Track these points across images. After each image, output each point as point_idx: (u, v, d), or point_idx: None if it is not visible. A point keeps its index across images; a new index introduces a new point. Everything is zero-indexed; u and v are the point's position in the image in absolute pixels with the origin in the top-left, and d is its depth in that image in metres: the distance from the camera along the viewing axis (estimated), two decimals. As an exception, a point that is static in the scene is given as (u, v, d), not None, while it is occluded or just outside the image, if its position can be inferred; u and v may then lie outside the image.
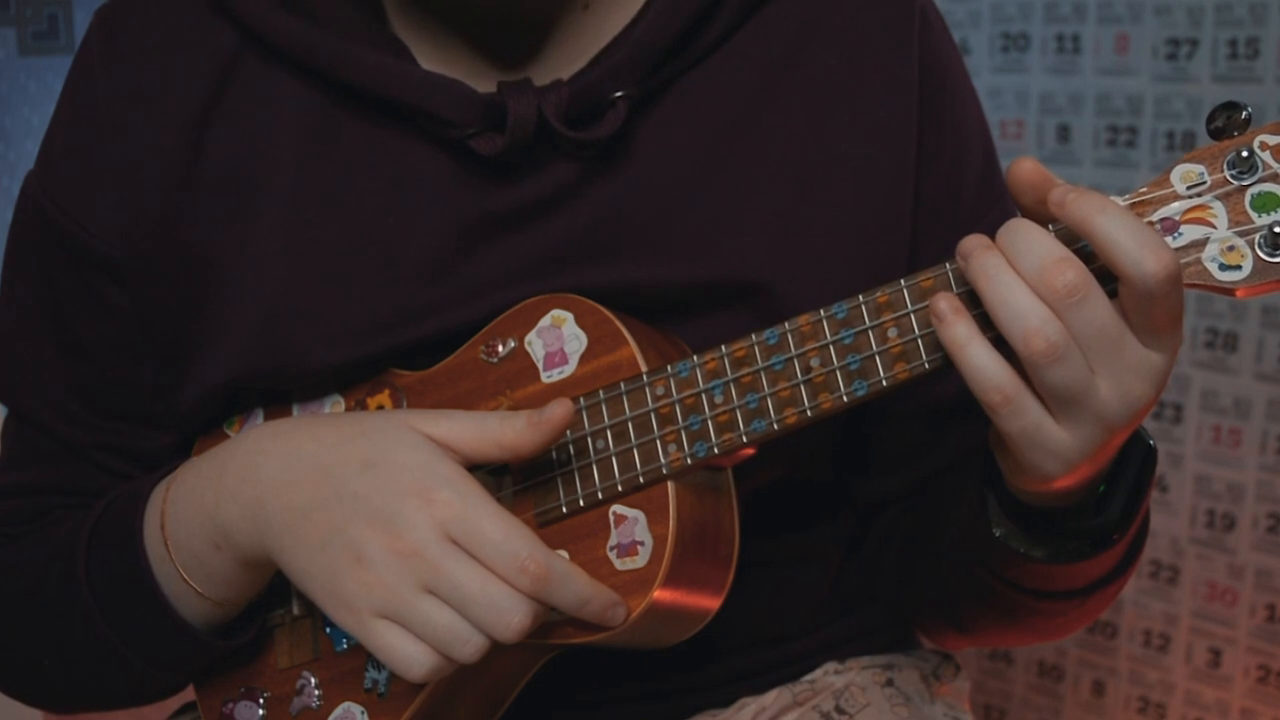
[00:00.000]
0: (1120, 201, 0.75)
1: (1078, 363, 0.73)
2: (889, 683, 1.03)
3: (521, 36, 0.92)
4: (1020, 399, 0.75)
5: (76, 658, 0.94)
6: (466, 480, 0.81)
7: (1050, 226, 0.75)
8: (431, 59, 0.93)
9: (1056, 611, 0.91)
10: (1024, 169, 0.76)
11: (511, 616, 0.78)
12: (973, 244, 0.76)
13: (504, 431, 0.83)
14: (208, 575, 0.89)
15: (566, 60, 0.92)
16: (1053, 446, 0.76)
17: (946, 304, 0.75)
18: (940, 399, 0.97)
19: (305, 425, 0.87)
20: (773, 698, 1.01)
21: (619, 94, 0.89)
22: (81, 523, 0.94)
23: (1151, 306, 0.72)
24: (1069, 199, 0.72)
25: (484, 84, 0.91)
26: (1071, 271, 0.72)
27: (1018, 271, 0.73)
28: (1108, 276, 0.73)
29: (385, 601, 0.80)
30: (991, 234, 0.96)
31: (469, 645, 0.79)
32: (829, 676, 1.03)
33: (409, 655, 0.80)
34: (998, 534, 0.86)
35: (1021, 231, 0.74)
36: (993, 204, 0.99)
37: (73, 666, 0.95)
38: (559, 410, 0.82)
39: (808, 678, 1.03)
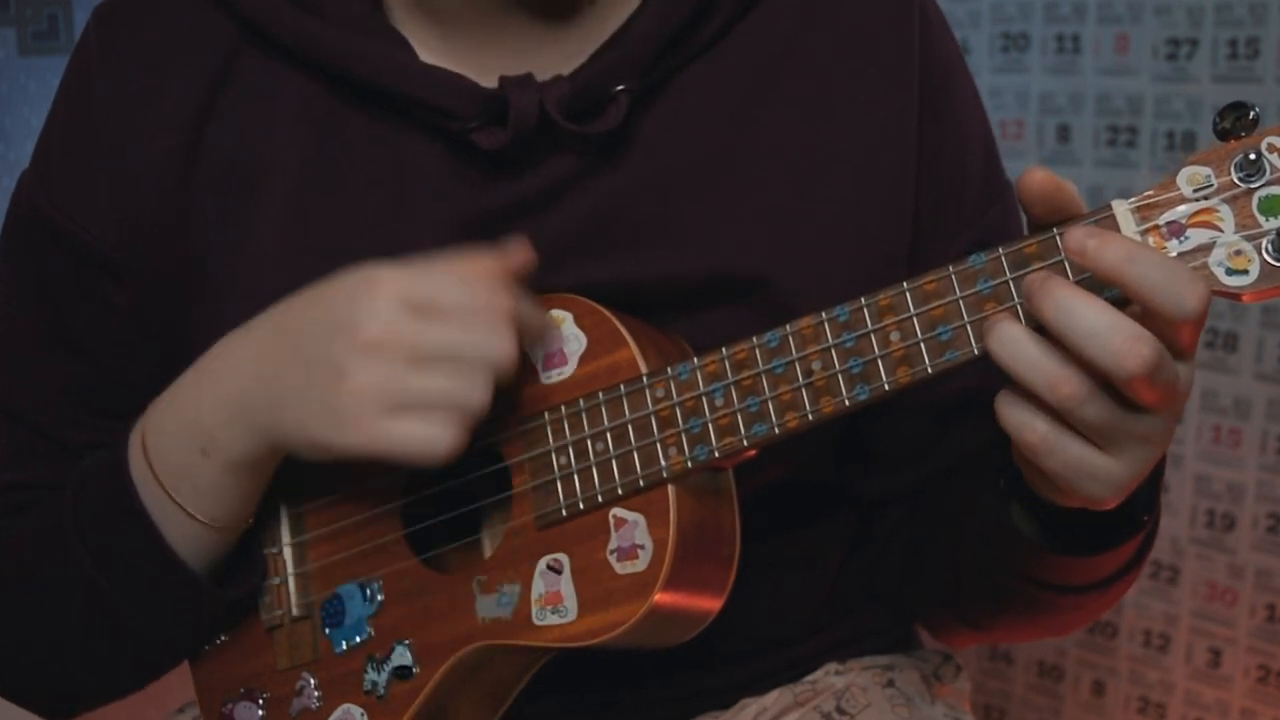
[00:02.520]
0: (1127, 205, 0.74)
1: (1106, 398, 0.72)
2: (890, 683, 1.03)
3: (523, 30, 0.92)
4: (1060, 441, 0.74)
5: (75, 634, 0.94)
6: (400, 263, 0.82)
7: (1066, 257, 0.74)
8: (432, 52, 0.93)
9: (1074, 605, 0.91)
10: (1035, 180, 0.74)
11: (497, 343, 0.80)
12: (987, 324, 0.75)
13: (456, 262, 0.83)
14: (195, 489, 0.88)
15: (568, 54, 0.92)
16: (1103, 475, 0.75)
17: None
18: (942, 397, 0.97)
19: (260, 316, 0.87)
20: (774, 698, 1.01)
21: (620, 88, 0.89)
22: (67, 484, 0.94)
23: (1185, 332, 0.71)
24: (1090, 248, 0.70)
25: (485, 78, 0.91)
26: (1147, 348, 0.70)
27: (1083, 355, 0.71)
28: (1097, 286, 0.73)
29: (380, 395, 0.80)
30: (992, 230, 0.95)
31: (475, 390, 0.80)
32: (830, 677, 1.03)
33: (430, 435, 0.80)
34: (1024, 533, 0.86)
35: (1078, 310, 0.71)
36: (994, 200, 0.99)
37: (71, 649, 0.94)
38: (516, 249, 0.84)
39: (809, 678, 1.03)
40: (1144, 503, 0.84)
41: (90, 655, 0.96)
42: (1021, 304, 0.75)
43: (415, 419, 0.80)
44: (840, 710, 0.99)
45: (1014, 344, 0.73)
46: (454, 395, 0.79)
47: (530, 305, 0.84)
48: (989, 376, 0.76)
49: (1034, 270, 0.75)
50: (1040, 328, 0.73)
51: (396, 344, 0.80)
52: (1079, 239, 0.70)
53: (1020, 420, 0.75)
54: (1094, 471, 0.75)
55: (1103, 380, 0.71)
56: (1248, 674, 1.81)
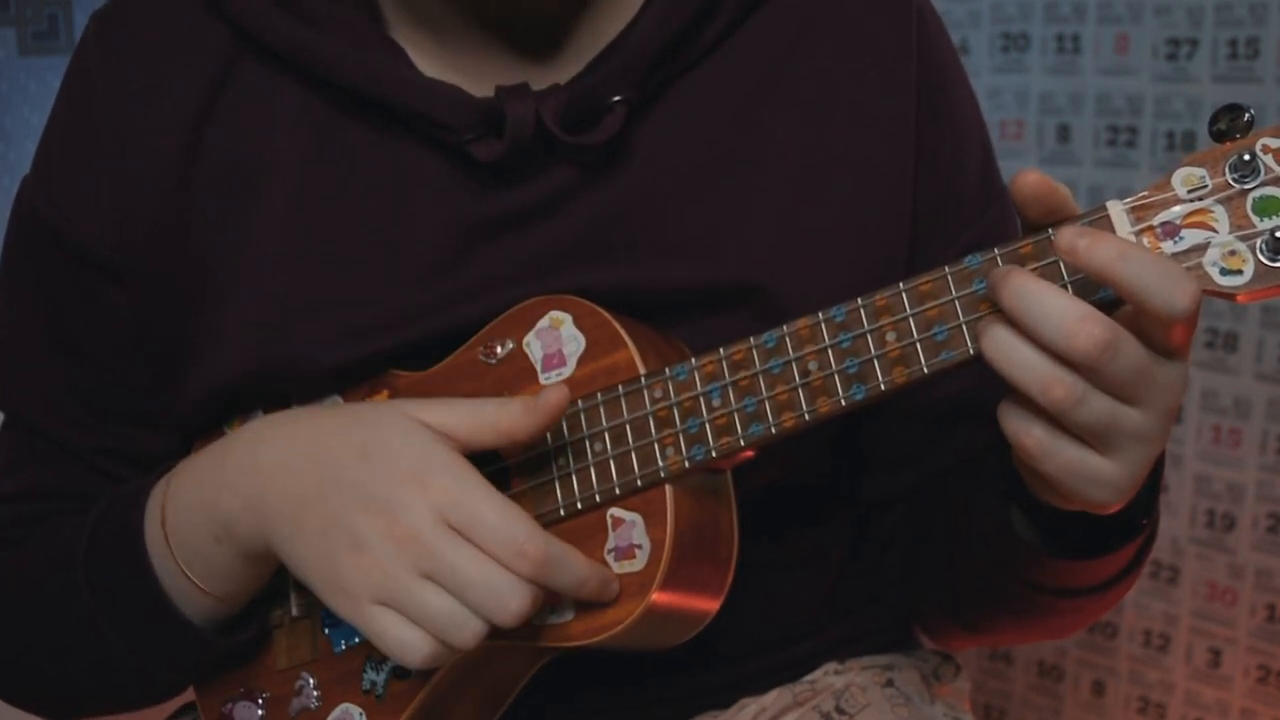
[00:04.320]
0: (1122, 205, 0.74)
1: (1101, 397, 0.72)
2: (889, 683, 1.03)
3: (519, 40, 0.92)
4: (1057, 444, 0.74)
5: (77, 659, 0.94)
6: (463, 466, 0.81)
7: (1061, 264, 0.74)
8: (429, 62, 0.93)
9: (1073, 608, 0.91)
10: (1028, 182, 0.74)
11: (510, 601, 0.78)
12: (980, 327, 0.75)
13: (500, 417, 0.82)
14: (209, 570, 0.89)
15: (564, 64, 0.92)
16: (1102, 478, 0.75)
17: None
18: (940, 400, 0.97)
19: (304, 416, 0.87)
20: (773, 698, 1.01)
21: (617, 98, 0.89)
22: (81, 523, 0.94)
23: (1177, 332, 0.72)
24: (1081, 248, 0.70)
25: (481, 88, 0.90)
26: (1098, 328, 0.70)
27: (1039, 339, 0.72)
28: (1091, 286, 0.73)
29: (382, 587, 0.80)
30: (990, 233, 0.95)
31: (466, 630, 0.79)
32: (829, 677, 1.03)
33: (406, 641, 0.80)
34: (1023, 536, 0.86)
35: (1032, 295, 0.72)
36: (991, 202, 0.99)
37: (74, 669, 0.95)
38: (554, 395, 0.82)
39: (808, 678, 1.03)
40: (1143, 506, 0.84)
41: (94, 685, 0.97)
42: None
43: (402, 622, 0.80)
44: (839, 710, 0.99)
45: (1006, 346, 0.73)
46: (444, 623, 0.79)
47: (565, 548, 0.82)
48: (987, 379, 0.76)
49: (1029, 270, 0.75)
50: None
51: (417, 550, 0.79)
52: (1069, 238, 0.71)
53: (1018, 425, 0.75)
54: (1092, 474, 0.75)
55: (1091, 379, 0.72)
56: (1248, 674, 1.81)
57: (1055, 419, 0.73)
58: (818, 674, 1.03)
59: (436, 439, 0.82)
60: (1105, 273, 0.70)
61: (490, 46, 0.92)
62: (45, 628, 0.95)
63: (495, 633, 0.80)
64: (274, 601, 0.94)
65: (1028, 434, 0.74)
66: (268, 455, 0.86)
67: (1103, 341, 0.70)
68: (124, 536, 0.91)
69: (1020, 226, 0.77)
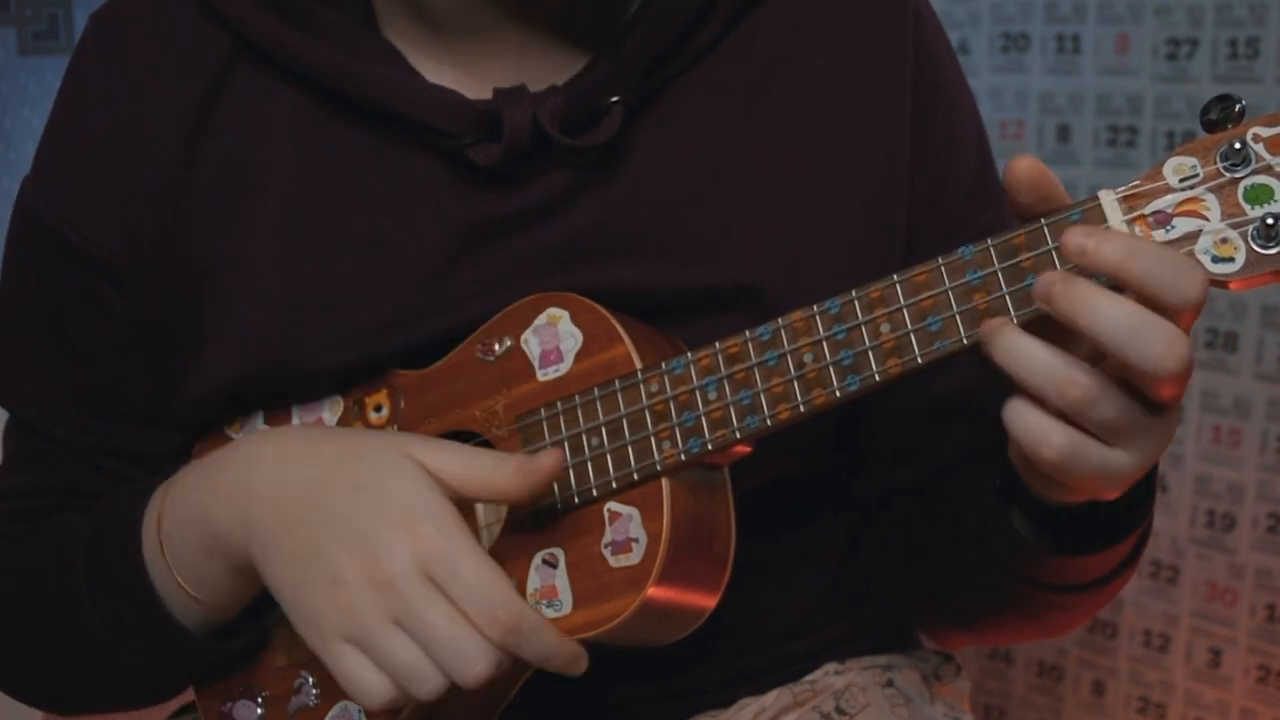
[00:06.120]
0: (1113, 195, 0.74)
1: (1116, 393, 0.71)
2: (889, 683, 1.03)
3: (520, 39, 0.92)
4: (1078, 452, 0.73)
5: (77, 658, 0.95)
6: (452, 518, 0.80)
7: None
8: (429, 61, 0.93)
9: (1070, 604, 0.91)
10: (1021, 167, 0.74)
11: (475, 664, 0.78)
12: (991, 325, 0.74)
13: (494, 475, 0.82)
14: (200, 580, 0.89)
15: (563, 63, 0.92)
16: (1112, 470, 0.74)
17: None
18: (937, 396, 0.97)
19: (304, 437, 0.87)
20: (773, 698, 1.01)
21: (614, 99, 0.89)
22: (82, 524, 0.94)
23: (1186, 318, 0.71)
24: (1090, 248, 0.70)
25: (479, 90, 0.91)
26: (1085, 376, 0.71)
27: (1026, 388, 0.72)
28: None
29: (352, 626, 0.79)
30: (985, 231, 0.95)
31: (428, 684, 0.79)
32: (829, 677, 1.03)
33: (367, 683, 0.80)
34: (1021, 533, 0.85)
35: (1021, 350, 0.72)
36: (988, 203, 0.99)
37: (74, 666, 0.95)
38: (548, 461, 0.82)
39: (808, 678, 1.03)
40: (1140, 498, 0.84)
41: (94, 682, 0.97)
42: (1009, 293, 0.75)
43: (365, 663, 0.80)
44: (840, 710, 0.99)
45: (1019, 350, 0.72)
46: (407, 673, 0.79)
47: (538, 620, 0.81)
48: (983, 377, 0.76)
49: (1021, 260, 0.75)
50: (1030, 326, 0.73)
51: (392, 596, 0.79)
52: (1077, 241, 0.70)
53: (1036, 436, 0.73)
54: (1108, 469, 0.74)
55: (1115, 377, 0.71)
56: (1248, 674, 1.81)
57: (1070, 418, 0.72)
58: (818, 674, 1.03)
59: (431, 484, 0.81)
60: (1117, 271, 0.69)
61: (492, 45, 0.92)
62: (46, 624, 0.96)
63: (455, 689, 0.80)
64: (272, 600, 0.94)
65: (1047, 445, 0.73)
66: (262, 474, 0.85)
67: (1091, 397, 0.70)
68: (122, 542, 0.91)
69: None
